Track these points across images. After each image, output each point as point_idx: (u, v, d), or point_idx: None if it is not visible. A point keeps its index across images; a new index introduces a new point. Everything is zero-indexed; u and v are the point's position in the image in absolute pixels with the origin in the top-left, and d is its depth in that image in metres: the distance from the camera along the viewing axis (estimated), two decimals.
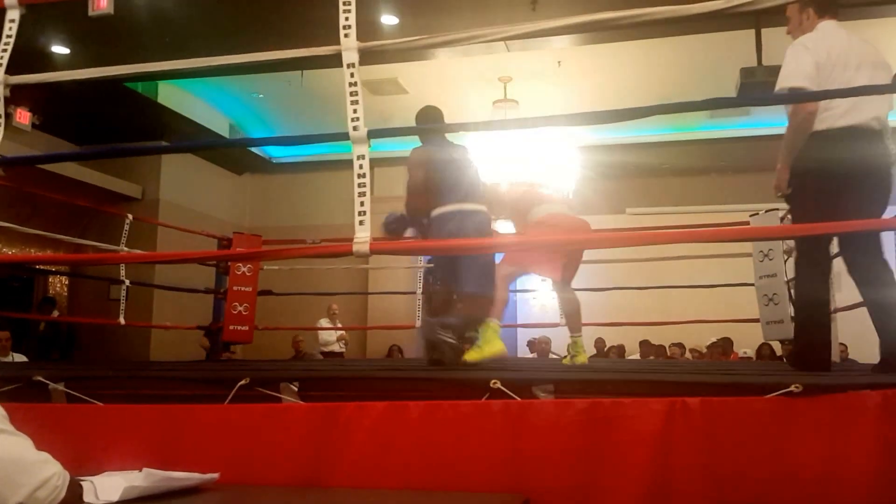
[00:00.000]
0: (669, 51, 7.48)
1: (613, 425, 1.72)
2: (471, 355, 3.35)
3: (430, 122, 3.73)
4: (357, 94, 2.20)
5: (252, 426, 1.91)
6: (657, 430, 1.68)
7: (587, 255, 4.39)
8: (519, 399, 1.84)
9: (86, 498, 1.42)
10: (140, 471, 1.56)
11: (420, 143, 3.72)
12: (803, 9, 2.83)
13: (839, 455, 1.61)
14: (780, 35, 3.25)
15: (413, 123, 3.77)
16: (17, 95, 8.14)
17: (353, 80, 2.21)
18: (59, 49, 6.96)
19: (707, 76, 7.66)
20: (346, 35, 2.23)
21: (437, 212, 3.51)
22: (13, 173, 5.27)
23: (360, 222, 2.09)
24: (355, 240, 2.08)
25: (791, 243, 4.68)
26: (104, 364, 4.35)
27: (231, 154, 10.50)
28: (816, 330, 2.78)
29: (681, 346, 9.00)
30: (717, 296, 6.14)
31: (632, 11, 2.13)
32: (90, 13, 2.83)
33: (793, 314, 4.68)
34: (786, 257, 4.90)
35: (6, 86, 2.48)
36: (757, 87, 6.00)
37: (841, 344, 6.02)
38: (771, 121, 8.64)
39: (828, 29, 2.79)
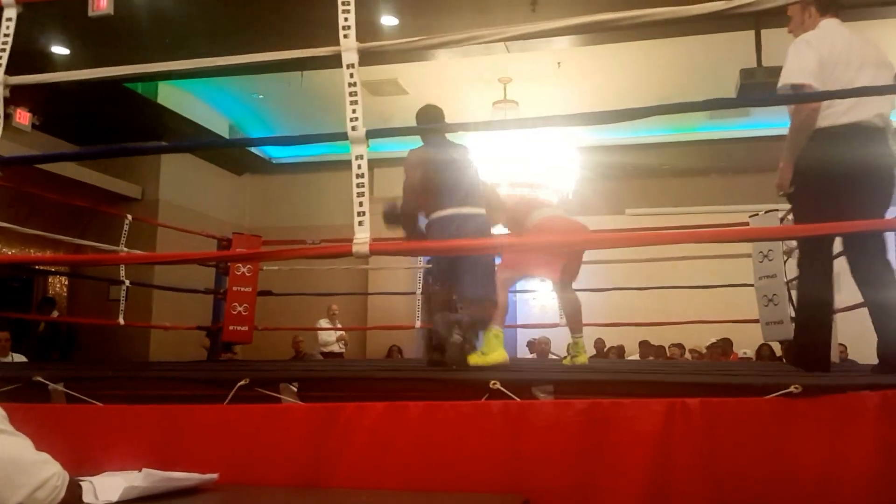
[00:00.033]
0: (669, 52, 7.49)
1: (613, 426, 1.72)
2: (474, 359, 3.34)
3: (430, 121, 3.68)
4: (356, 95, 2.19)
5: (251, 427, 1.91)
6: (657, 430, 1.68)
7: (587, 255, 4.39)
8: (518, 399, 1.84)
9: (85, 498, 1.41)
10: (139, 471, 1.56)
11: (421, 142, 3.69)
12: (805, 7, 2.82)
13: (838, 456, 1.61)
14: (779, 36, 3.25)
15: (413, 124, 3.75)
16: (17, 96, 8.15)
17: (352, 81, 2.21)
18: (59, 49, 6.96)
19: (707, 77, 7.67)
20: (345, 35, 2.23)
21: (434, 216, 3.48)
22: (13, 173, 5.27)
23: (360, 223, 2.09)
24: (355, 240, 2.08)
25: (791, 244, 4.68)
26: (104, 364, 4.35)
27: (231, 154, 10.50)
28: (817, 330, 2.76)
29: (680, 346, 9.01)
30: (716, 296, 6.13)
31: (631, 12, 2.13)
32: (90, 13, 2.83)
33: (792, 315, 4.69)
34: (785, 258, 4.90)
35: (6, 86, 2.48)
36: (757, 88, 6.00)
37: (840, 344, 6.02)
38: (770, 122, 8.64)
39: (830, 27, 2.77)
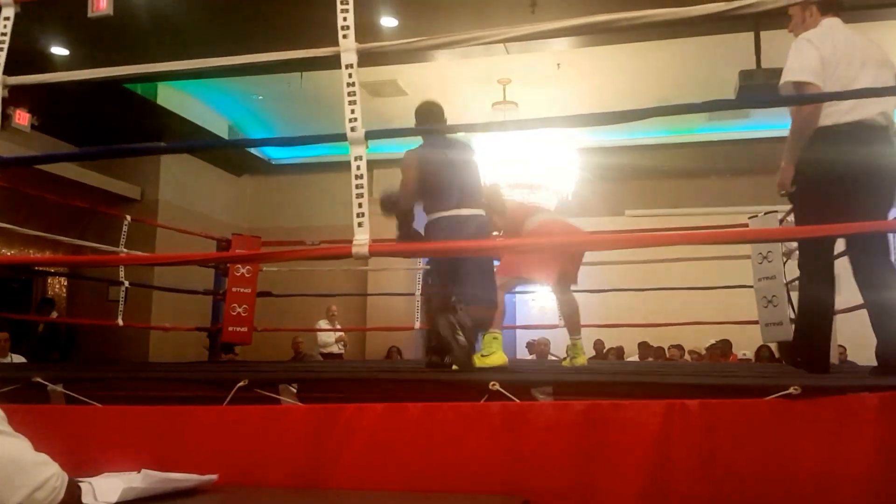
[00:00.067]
0: (668, 53, 7.50)
1: (612, 427, 1.72)
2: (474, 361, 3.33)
3: (429, 118, 3.60)
4: (355, 95, 2.19)
5: (251, 428, 1.90)
6: (656, 432, 1.68)
7: (587, 256, 4.40)
8: (518, 401, 1.84)
9: (84, 499, 1.41)
10: (138, 472, 1.56)
11: (421, 139, 3.63)
12: (806, 7, 2.80)
13: (837, 457, 1.61)
14: (778, 38, 3.26)
15: (413, 125, 3.72)
16: (17, 97, 8.17)
17: (351, 81, 2.21)
18: (59, 50, 6.96)
19: (706, 79, 7.67)
20: (344, 36, 2.23)
21: (433, 216, 3.43)
22: (12, 174, 5.27)
23: (359, 224, 2.09)
24: (354, 242, 2.08)
25: (790, 245, 4.68)
26: (103, 365, 4.35)
27: (230, 155, 10.50)
28: (817, 331, 2.76)
29: (680, 347, 9.01)
30: (715, 297, 6.14)
31: (631, 14, 2.13)
32: (90, 14, 2.84)
33: (792, 316, 4.69)
34: (785, 259, 4.91)
35: (4, 86, 2.48)
36: (756, 89, 6.00)
37: (840, 346, 6.02)
38: (770, 123, 8.65)
39: (831, 26, 2.75)
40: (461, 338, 3.15)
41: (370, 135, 2.15)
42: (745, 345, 8.67)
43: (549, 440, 1.73)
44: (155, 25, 6.27)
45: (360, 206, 2.10)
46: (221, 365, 5.27)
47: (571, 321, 4.24)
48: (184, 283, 7.44)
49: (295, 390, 2.02)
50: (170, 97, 8.76)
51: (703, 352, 8.88)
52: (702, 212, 8.81)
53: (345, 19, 2.23)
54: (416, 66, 7.53)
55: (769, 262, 4.93)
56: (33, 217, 7.06)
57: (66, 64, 6.95)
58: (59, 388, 2.13)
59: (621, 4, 2.50)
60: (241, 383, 2.03)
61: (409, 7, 6.23)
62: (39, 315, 8.57)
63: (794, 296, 4.11)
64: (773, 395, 1.69)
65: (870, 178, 2.63)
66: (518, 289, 6.13)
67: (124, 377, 2.46)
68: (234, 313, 5.90)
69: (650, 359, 8.89)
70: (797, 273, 3.08)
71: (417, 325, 6.40)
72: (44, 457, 1.35)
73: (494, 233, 4.01)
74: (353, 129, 2.15)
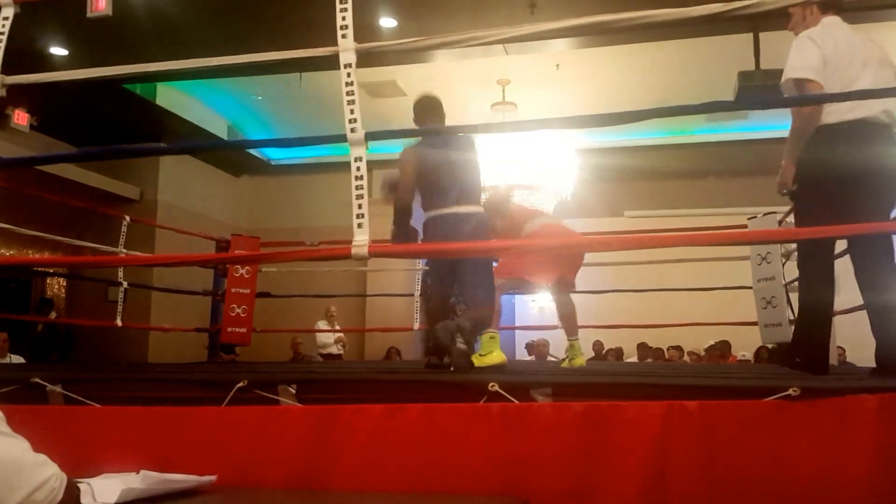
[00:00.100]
0: (667, 54, 7.50)
1: (611, 428, 1.72)
2: (472, 360, 3.31)
3: (428, 112, 3.55)
4: (354, 95, 2.19)
5: (250, 428, 1.90)
6: (655, 433, 1.68)
7: (585, 257, 4.40)
8: (517, 402, 1.84)
9: (83, 500, 1.41)
10: (137, 473, 1.56)
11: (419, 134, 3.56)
12: (806, 5, 2.79)
13: (836, 459, 1.61)
14: (778, 39, 3.26)
15: (412, 125, 3.70)
16: (16, 97, 8.18)
17: (349, 81, 2.21)
18: (58, 50, 6.96)
19: (705, 80, 7.67)
20: (343, 36, 2.23)
21: (431, 214, 3.40)
22: (11, 174, 5.26)
23: (359, 225, 2.09)
24: (354, 242, 2.08)
25: (789, 246, 4.68)
26: (102, 366, 4.34)
27: (229, 156, 10.49)
28: (817, 330, 2.75)
29: (679, 348, 9.01)
30: (715, 299, 6.14)
31: (630, 14, 2.13)
32: (89, 14, 2.84)
33: (791, 317, 4.69)
34: (784, 260, 4.91)
35: (3, 85, 2.48)
36: (755, 90, 6.00)
37: (839, 347, 6.03)
38: (769, 124, 8.66)
39: (832, 24, 2.74)
40: (460, 343, 3.14)
41: (370, 136, 2.15)
42: (745, 346, 8.68)
43: (549, 441, 1.73)
44: (154, 26, 6.27)
45: (359, 206, 2.10)
46: (220, 366, 5.27)
47: (568, 322, 4.24)
48: (183, 284, 7.44)
49: (294, 391, 2.02)
50: (169, 97, 8.76)
51: (703, 353, 8.88)
52: (701, 213, 8.82)
53: (343, 19, 2.23)
54: (416, 66, 7.53)
55: (768, 263, 4.93)
56: (32, 217, 7.06)
57: (65, 64, 6.94)
58: (58, 388, 2.13)
59: (620, 5, 2.50)
60: (240, 384, 2.03)
61: (408, 8, 6.23)
62: (38, 315, 8.57)
63: (794, 297, 4.11)
64: (773, 397, 1.69)
65: (872, 176, 2.61)
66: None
67: (123, 378, 2.46)
68: (234, 314, 5.90)
69: (649, 360, 8.90)
70: (796, 274, 3.07)
71: (416, 325, 6.40)
72: (43, 457, 1.35)
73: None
74: (352, 131, 2.14)
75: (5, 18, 2.50)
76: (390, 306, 9.12)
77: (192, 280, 7.58)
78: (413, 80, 8.01)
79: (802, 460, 1.62)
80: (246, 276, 5.96)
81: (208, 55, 2.47)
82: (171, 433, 1.94)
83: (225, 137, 9.78)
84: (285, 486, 1.82)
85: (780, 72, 2.77)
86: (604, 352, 9.31)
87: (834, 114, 2.63)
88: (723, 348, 8.77)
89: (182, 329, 6.98)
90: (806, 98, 2.69)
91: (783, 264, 4.90)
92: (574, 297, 4.31)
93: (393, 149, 3.45)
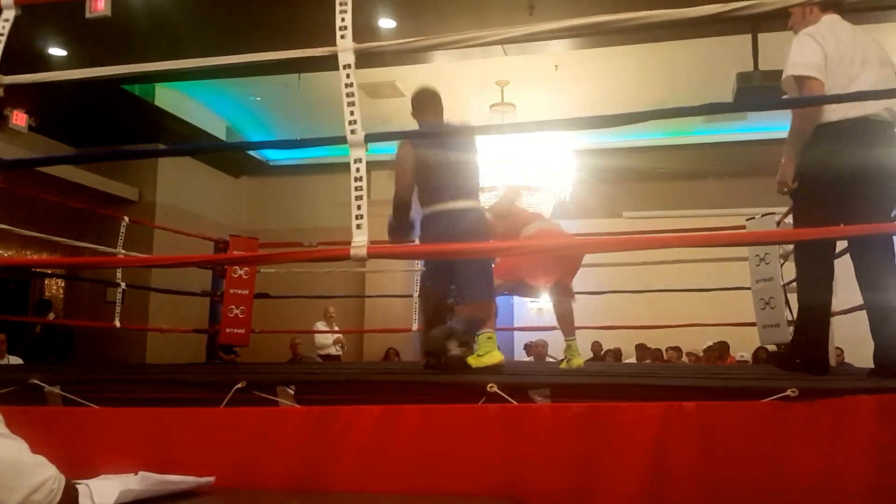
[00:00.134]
0: (666, 55, 7.51)
1: (610, 429, 1.72)
2: (470, 362, 3.28)
3: (426, 105, 3.50)
4: (354, 96, 2.19)
5: (248, 430, 1.90)
6: (653, 434, 1.68)
7: (585, 258, 4.40)
8: (516, 403, 1.84)
9: (81, 501, 1.41)
10: (136, 474, 1.56)
11: (417, 124, 3.50)
12: (806, 4, 2.79)
13: (835, 459, 1.61)
14: (776, 40, 3.26)
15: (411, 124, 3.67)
16: (14, 97, 8.17)
17: (349, 82, 2.20)
18: (57, 51, 6.96)
19: (704, 81, 7.69)
20: (342, 36, 2.22)
21: (427, 211, 3.35)
22: (9, 175, 5.26)
23: (358, 226, 2.09)
24: (353, 243, 2.08)
25: (788, 247, 4.68)
26: (100, 367, 4.34)
27: (228, 157, 10.49)
28: (817, 330, 2.74)
29: (677, 349, 9.01)
30: (713, 299, 6.14)
31: (629, 15, 2.13)
32: (87, 15, 2.84)
33: (790, 318, 4.69)
34: (782, 261, 4.91)
35: (0, 85, 2.48)
36: (753, 91, 6.01)
37: (837, 348, 6.03)
38: (767, 125, 8.67)
39: (832, 22, 2.73)
40: (454, 349, 3.13)
41: (370, 137, 2.15)
42: (743, 347, 8.68)
43: (547, 442, 1.73)
44: (153, 26, 6.27)
45: (359, 207, 2.10)
46: (219, 367, 5.26)
47: (565, 322, 4.25)
48: (181, 285, 7.43)
49: (292, 392, 2.02)
50: (167, 98, 8.75)
51: (701, 354, 8.88)
52: (699, 213, 8.83)
53: (343, 19, 2.23)
54: (415, 67, 7.54)
55: (766, 263, 4.93)
56: (31, 218, 7.05)
57: (64, 64, 6.94)
58: (56, 389, 2.12)
59: (619, 6, 2.50)
60: (238, 385, 2.02)
61: (407, 9, 6.23)
62: (36, 316, 8.55)
63: (792, 297, 4.11)
64: (771, 398, 1.69)
65: (874, 175, 2.60)
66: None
67: (121, 379, 2.45)
68: (232, 315, 5.89)
69: (648, 361, 8.90)
70: (795, 275, 3.06)
71: (415, 326, 6.39)
72: (41, 458, 1.35)
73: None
74: (353, 132, 2.14)
75: (6, 20, 2.50)
76: (389, 307, 9.13)
77: (190, 281, 7.58)
78: (412, 80, 7.96)
79: (801, 461, 1.63)
80: (244, 276, 5.96)
81: (207, 56, 2.47)
82: (170, 434, 1.94)
83: (223, 138, 9.78)
84: (284, 488, 1.82)
85: (779, 73, 2.77)
86: (602, 353, 9.32)
87: (836, 111, 2.61)
88: (721, 349, 8.77)
89: (180, 330, 6.97)
90: (805, 99, 2.69)
91: (781, 265, 4.90)
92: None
93: (391, 150, 3.44)
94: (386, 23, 6.34)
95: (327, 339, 9.07)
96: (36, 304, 9.21)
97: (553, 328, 4.42)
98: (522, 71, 7.94)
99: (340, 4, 2.24)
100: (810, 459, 1.62)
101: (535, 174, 8.05)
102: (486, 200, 4.85)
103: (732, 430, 1.68)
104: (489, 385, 1.88)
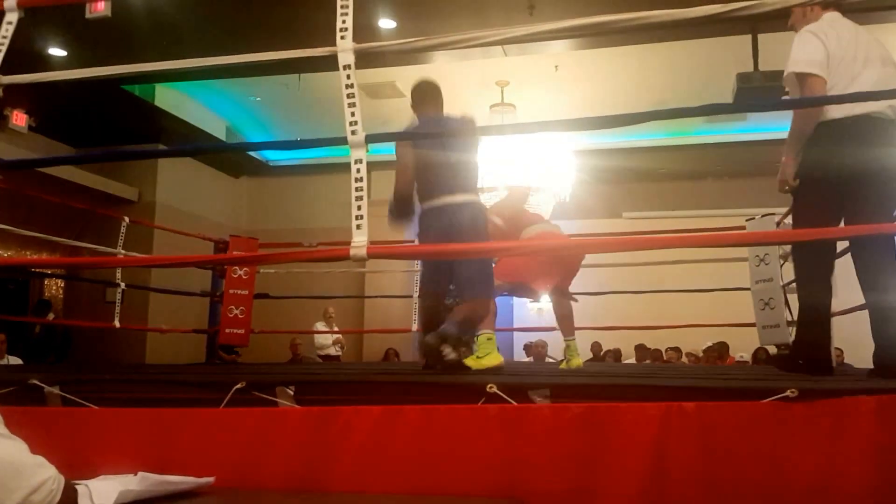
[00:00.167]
0: (666, 56, 7.51)
1: (610, 430, 1.72)
2: (469, 363, 3.27)
3: (425, 98, 3.48)
4: (354, 97, 2.19)
5: (248, 430, 1.90)
6: (653, 434, 1.68)
7: (584, 258, 4.40)
8: (515, 403, 1.84)
9: (81, 501, 1.41)
10: (135, 474, 1.56)
11: (417, 118, 3.48)
12: (806, 4, 2.78)
13: (834, 460, 1.61)
14: (776, 41, 3.26)
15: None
16: (14, 98, 8.17)
17: (349, 83, 2.20)
18: (57, 52, 6.96)
19: (704, 81, 7.69)
20: (342, 37, 2.22)
21: (425, 206, 3.30)
22: (9, 175, 5.26)
23: (358, 226, 2.09)
24: (353, 244, 2.08)
25: (787, 248, 4.68)
26: (100, 367, 4.34)
27: (228, 157, 10.50)
28: (816, 331, 2.73)
29: (677, 350, 9.02)
30: (713, 300, 6.14)
31: (628, 15, 2.13)
32: (88, 16, 2.84)
33: (789, 318, 4.69)
34: (782, 262, 4.91)
35: (0, 85, 2.48)
36: (753, 92, 6.01)
37: (837, 348, 6.03)
38: (767, 126, 8.68)
39: (834, 19, 2.72)
40: (449, 354, 3.12)
41: (371, 138, 2.15)
42: (743, 347, 8.68)
43: (547, 443, 1.73)
44: (153, 27, 6.28)
45: (359, 208, 2.10)
46: (218, 367, 5.26)
47: (565, 322, 4.25)
48: (181, 285, 7.44)
49: (292, 393, 2.02)
50: (168, 98, 8.76)
51: (701, 354, 8.89)
52: (699, 214, 8.84)
53: (344, 21, 2.23)
54: (415, 68, 7.53)
55: (766, 264, 4.94)
56: (30, 218, 7.06)
57: (64, 65, 6.94)
58: (56, 390, 2.12)
59: (619, 6, 2.50)
60: (238, 385, 2.02)
61: (407, 9, 6.24)
62: (36, 317, 8.55)
63: (792, 298, 4.11)
64: (770, 398, 1.69)
65: (877, 173, 2.58)
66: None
67: (121, 379, 2.45)
68: (232, 315, 5.89)
69: (647, 361, 8.90)
70: (794, 275, 3.05)
71: (415, 327, 6.39)
72: (40, 459, 1.35)
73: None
74: (353, 133, 2.14)
75: (9, 23, 2.51)
76: (389, 308, 9.13)
77: (190, 281, 7.58)
78: (412, 81, 7.99)
79: (800, 461, 1.62)
80: (244, 277, 5.96)
81: (207, 56, 2.47)
82: (169, 435, 1.93)
83: (223, 138, 9.78)
84: (283, 488, 1.82)
85: (779, 73, 2.77)
86: (602, 353, 9.32)
87: (839, 108, 2.60)
88: (721, 349, 8.78)
89: (180, 330, 6.97)
90: (805, 100, 2.68)
91: (781, 266, 4.90)
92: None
93: (391, 150, 3.44)
94: (386, 23, 6.34)
95: (327, 340, 9.07)
96: (35, 305, 9.21)
97: (553, 329, 4.43)
98: (522, 71, 7.94)
99: (342, 6, 2.24)
100: (810, 460, 1.62)
101: (536, 175, 8.05)
102: (486, 200, 4.85)
103: (732, 431, 1.67)
104: (489, 385, 1.88)
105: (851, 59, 2.64)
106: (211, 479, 1.71)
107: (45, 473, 1.33)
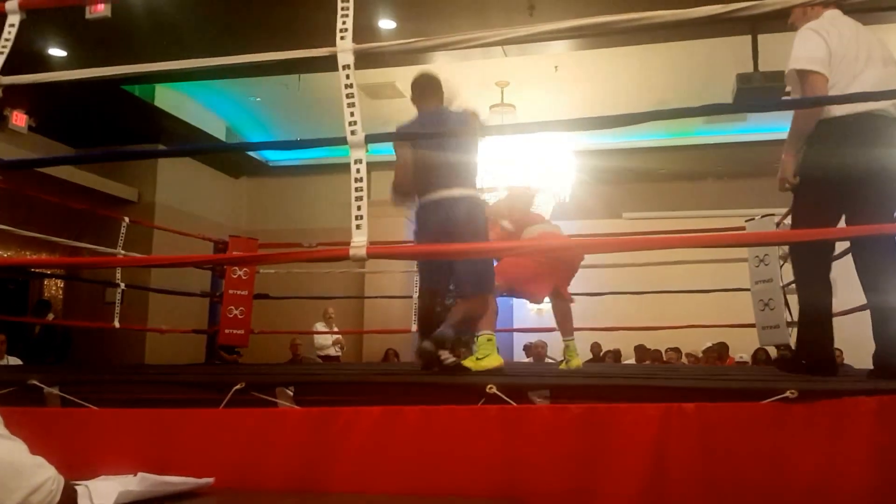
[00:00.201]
0: (666, 56, 7.51)
1: (609, 431, 1.71)
2: (469, 364, 3.26)
3: (426, 91, 3.45)
4: (353, 97, 2.19)
5: (247, 431, 1.90)
6: (653, 435, 1.68)
7: (584, 259, 4.40)
8: (515, 404, 1.84)
9: (80, 502, 1.41)
10: (135, 475, 1.56)
11: (417, 111, 3.45)
12: (806, 5, 2.77)
13: (834, 461, 1.61)
14: (776, 41, 3.25)
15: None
16: (14, 98, 8.17)
17: (348, 83, 2.21)
18: (57, 52, 6.96)
19: (703, 82, 7.69)
20: (342, 37, 2.23)
21: (423, 200, 3.28)
22: (9, 175, 5.26)
23: (357, 226, 2.09)
24: (352, 244, 2.08)
25: (787, 248, 4.68)
26: (99, 368, 4.34)
27: (228, 157, 10.50)
28: (818, 330, 2.72)
29: (677, 350, 9.02)
30: (712, 300, 6.14)
31: (628, 15, 2.13)
32: (88, 16, 2.83)
33: (789, 319, 4.69)
34: (782, 262, 4.91)
35: (0, 86, 2.48)
36: (753, 92, 6.01)
37: (836, 349, 6.02)
38: (767, 126, 8.68)
39: (834, 17, 2.72)
40: (447, 358, 3.11)
41: (370, 138, 2.15)
42: (742, 348, 8.69)
43: (547, 443, 1.73)
44: (153, 27, 6.27)
45: (358, 208, 2.10)
46: (218, 368, 5.26)
47: (564, 323, 4.25)
48: (181, 286, 7.43)
49: (292, 393, 2.02)
50: (167, 99, 8.75)
51: (700, 354, 8.89)
52: (699, 215, 8.85)
53: (344, 22, 2.23)
54: (415, 68, 7.51)
55: (766, 265, 4.94)
56: (30, 219, 7.06)
57: (64, 65, 6.94)
58: (56, 390, 2.12)
59: (619, 7, 2.50)
60: (237, 386, 2.02)
61: (407, 10, 6.24)
62: (36, 317, 8.55)
63: (792, 299, 4.11)
64: (770, 399, 1.69)
65: (879, 172, 2.57)
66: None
67: (121, 380, 2.45)
68: (231, 315, 5.89)
69: (647, 362, 8.90)
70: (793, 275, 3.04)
71: (414, 327, 6.39)
72: (40, 460, 1.35)
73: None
74: (353, 133, 2.14)
75: (11, 25, 2.51)
76: (388, 308, 9.13)
77: (189, 282, 7.58)
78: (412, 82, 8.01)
79: (800, 462, 1.62)
80: (244, 277, 5.96)
81: (207, 56, 2.47)
82: (169, 435, 1.93)
83: (223, 139, 9.78)
84: (283, 489, 1.82)
85: (779, 74, 2.78)
86: (602, 354, 9.32)
87: (841, 106, 2.59)
88: (720, 350, 8.78)
89: (180, 331, 6.97)
90: (805, 100, 2.67)
91: (781, 266, 4.91)
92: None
93: (390, 150, 3.44)
94: (386, 23, 6.34)
95: (326, 340, 9.07)
96: (35, 305, 9.20)
97: (552, 329, 4.43)
98: (522, 72, 7.94)
99: (342, 7, 2.24)
100: (810, 461, 1.62)
101: (536, 175, 8.05)
102: (489, 199, 4.85)
103: (732, 432, 1.67)
104: (488, 386, 1.88)
105: (853, 58, 2.63)
106: (210, 480, 1.71)
107: (44, 474, 1.33)
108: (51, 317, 8.84)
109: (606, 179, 9.77)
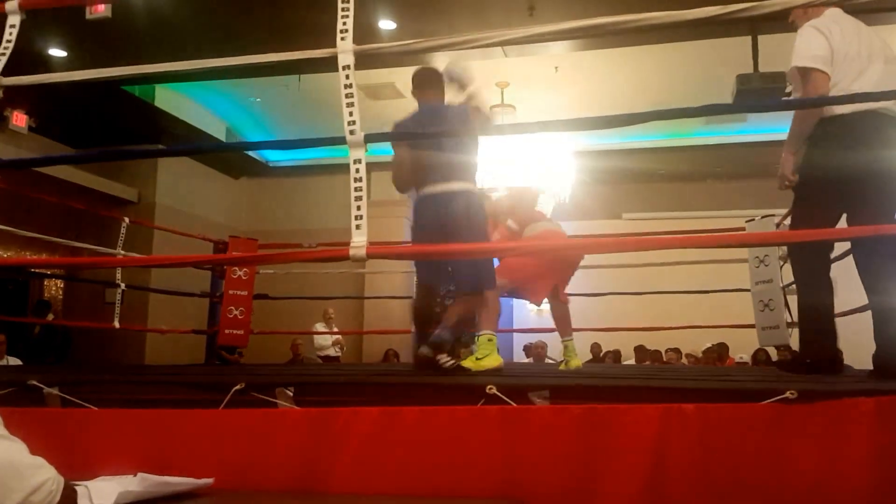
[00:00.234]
0: (666, 57, 7.51)
1: (609, 431, 1.71)
2: (469, 364, 3.26)
3: (426, 85, 3.47)
4: (353, 97, 2.19)
5: (247, 431, 1.90)
6: (652, 436, 1.68)
7: (584, 259, 4.40)
8: (515, 404, 1.84)
9: (80, 502, 1.41)
10: (135, 475, 1.56)
11: (417, 104, 3.46)
12: (807, 5, 2.76)
13: (834, 461, 1.61)
14: (776, 42, 3.25)
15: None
16: (15, 98, 8.17)
17: (348, 83, 2.21)
18: (57, 52, 6.96)
19: (703, 82, 7.69)
20: (342, 38, 2.23)
21: (421, 193, 3.27)
22: (9, 175, 5.26)
23: (357, 226, 2.09)
24: (352, 244, 2.08)
25: (786, 249, 4.68)
26: (99, 368, 4.34)
27: (228, 157, 10.50)
28: (819, 330, 2.71)
29: (677, 351, 9.02)
30: (712, 301, 6.14)
31: (628, 16, 2.14)
32: (88, 17, 2.84)
33: (789, 319, 4.69)
34: (782, 263, 4.91)
35: (0, 87, 2.48)
36: (753, 93, 6.01)
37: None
38: (767, 127, 8.68)
39: (835, 15, 2.71)
40: (446, 361, 3.11)
41: (369, 138, 2.15)
42: (742, 348, 8.68)
43: (547, 444, 1.73)
44: (153, 28, 6.27)
45: (358, 208, 2.10)
46: (218, 368, 5.26)
47: (562, 323, 4.25)
48: (181, 286, 7.43)
49: (291, 394, 2.02)
50: (167, 99, 8.75)
51: (700, 355, 8.89)
52: (699, 215, 8.85)
53: (344, 23, 2.23)
54: (415, 68, 7.54)
55: (766, 265, 4.94)
56: (30, 219, 7.05)
57: (64, 66, 6.94)
58: (55, 391, 2.12)
59: (619, 7, 2.50)
60: (237, 387, 2.02)
61: (407, 10, 6.24)
62: (36, 317, 8.54)
63: (792, 300, 4.11)
64: (770, 400, 1.69)
65: (880, 171, 2.56)
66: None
67: (120, 380, 2.45)
68: (231, 316, 5.89)
69: (647, 362, 8.90)
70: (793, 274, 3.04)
71: (414, 328, 6.38)
72: (40, 460, 1.35)
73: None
74: (352, 133, 2.14)
75: (12, 26, 2.51)
76: (388, 308, 9.13)
77: (189, 282, 7.56)
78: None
79: (800, 463, 1.62)
80: (244, 277, 5.96)
81: (207, 57, 2.47)
82: (169, 436, 1.93)
83: (223, 139, 9.78)
84: (282, 489, 1.82)
85: (779, 74, 2.78)
86: (601, 354, 9.32)
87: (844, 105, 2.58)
88: (720, 351, 8.78)
89: (179, 331, 6.97)
90: (806, 101, 2.67)
91: (781, 267, 4.90)
92: (571, 299, 4.31)
93: (390, 151, 3.44)
94: (386, 24, 6.34)
95: (326, 341, 9.07)
96: (35, 305, 9.20)
97: (552, 330, 4.42)
98: (522, 72, 7.94)
99: (342, 8, 2.24)
100: (810, 461, 1.62)
101: (535, 175, 8.05)
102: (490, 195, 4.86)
103: (732, 432, 1.67)
104: (488, 387, 1.88)
105: (856, 55, 2.62)
106: (210, 480, 1.71)
107: (44, 474, 1.33)
108: (51, 317, 8.84)
109: (606, 180, 9.77)
